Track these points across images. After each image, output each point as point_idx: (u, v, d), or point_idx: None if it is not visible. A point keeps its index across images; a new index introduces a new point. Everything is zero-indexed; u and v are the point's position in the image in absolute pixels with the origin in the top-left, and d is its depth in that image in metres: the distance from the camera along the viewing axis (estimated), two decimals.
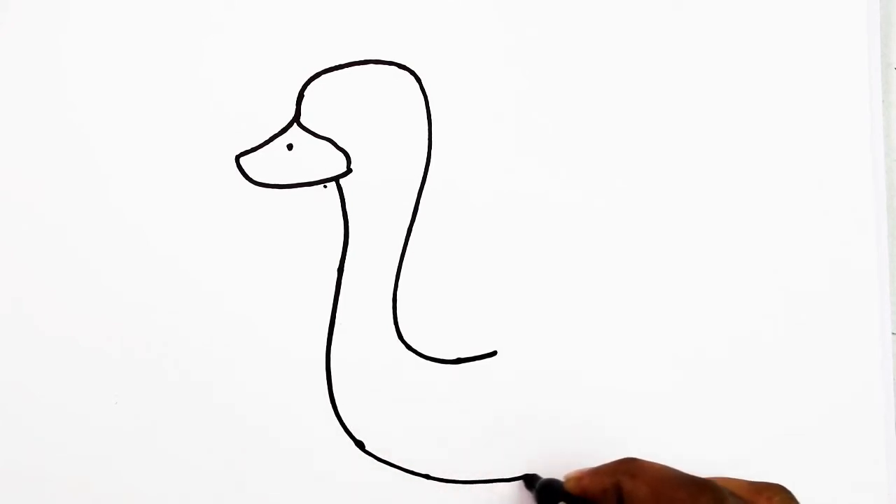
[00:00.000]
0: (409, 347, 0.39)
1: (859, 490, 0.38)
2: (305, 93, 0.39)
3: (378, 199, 0.39)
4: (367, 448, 0.38)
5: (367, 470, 0.38)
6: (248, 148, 0.39)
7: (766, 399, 0.39)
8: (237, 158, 0.39)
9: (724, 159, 0.40)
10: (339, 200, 0.39)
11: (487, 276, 0.39)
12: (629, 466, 0.34)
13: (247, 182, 0.39)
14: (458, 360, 0.39)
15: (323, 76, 0.39)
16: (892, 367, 0.40)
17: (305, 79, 0.39)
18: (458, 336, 0.39)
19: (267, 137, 0.39)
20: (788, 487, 0.32)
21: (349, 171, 0.39)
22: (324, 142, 0.39)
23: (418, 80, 0.40)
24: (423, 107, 0.40)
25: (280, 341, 0.38)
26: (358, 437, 0.38)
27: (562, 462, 0.38)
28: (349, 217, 0.39)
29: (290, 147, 0.39)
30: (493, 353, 0.39)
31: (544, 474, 0.38)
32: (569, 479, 0.36)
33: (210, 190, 0.39)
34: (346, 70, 0.39)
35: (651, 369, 0.39)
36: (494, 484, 0.38)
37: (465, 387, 0.38)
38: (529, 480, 0.38)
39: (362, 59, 0.40)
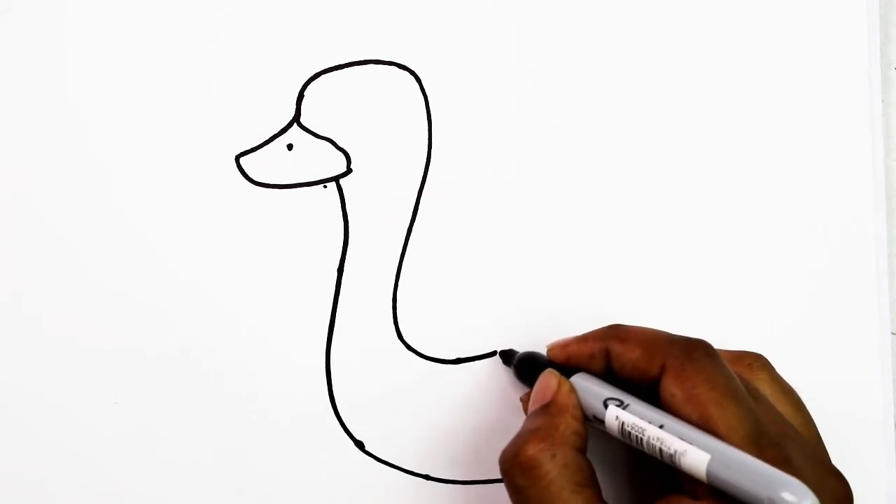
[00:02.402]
0: (409, 347, 0.39)
1: (859, 490, 0.38)
2: (305, 93, 0.39)
3: (378, 199, 0.39)
4: (367, 448, 0.38)
5: (367, 470, 0.38)
6: (248, 148, 0.39)
7: None
8: (237, 158, 0.39)
9: (723, 160, 0.40)
10: (339, 200, 0.39)
11: (487, 276, 0.39)
12: (617, 331, 0.33)
13: (247, 182, 0.39)
14: (458, 360, 0.39)
15: (323, 76, 0.39)
16: (891, 367, 0.40)
17: (305, 79, 0.39)
18: (458, 336, 0.39)
19: (267, 137, 0.39)
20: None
21: (349, 171, 0.39)
22: (324, 142, 0.39)
23: (418, 80, 0.40)
24: (423, 107, 0.40)
25: (280, 341, 0.38)
26: (358, 437, 0.38)
27: None
28: (349, 217, 0.39)
29: (290, 147, 0.39)
30: (493, 353, 0.39)
31: None
32: (552, 347, 0.35)
33: (210, 190, 0.39)
34: (346, 70, 0.39)
35: None
36: (494, 484, 0.38)
37: (465, 387, 0.38)
38: (506, 356, 0.38)
39: (362, 59, 0.40)
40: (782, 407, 0.32)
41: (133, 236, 0.38)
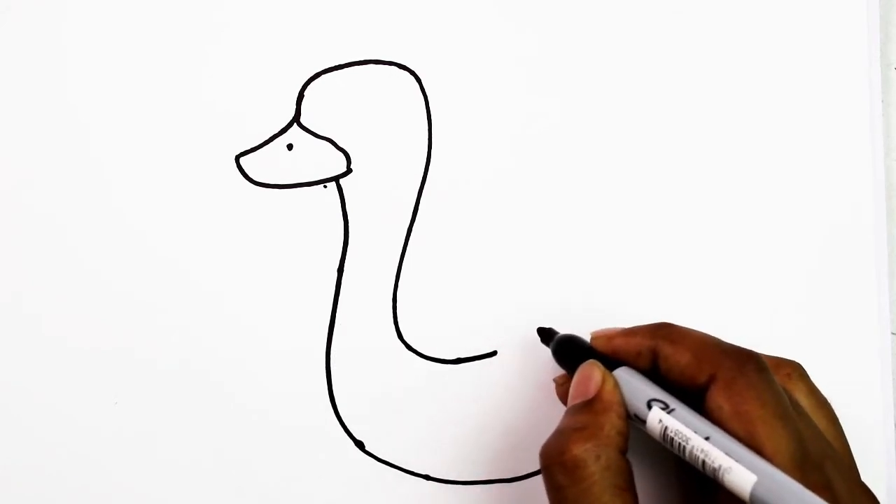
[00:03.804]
0: (409, 347, 0.39)
1: None
2: (305, 93, 0.39)
3: (378, 199, 0.39)
4: (367, 448, 0.38)
5: (367, 470, 0.38)
6: (248, 148, 0.39)
7: None
8: (237, 158, 0.39)
9: (723, 160, 0.40)
10: (339, 200, 0.39)
11: (488, 276, 0.39)
12: (669, 331, 0.32)
13: (247, 182, 0.39)
14: (458, 360, 0.39)
15: (323, 76, 0.39)
16: (891, 367, 0.40)
17: (305, 79, 0.39)
18: (458, 336, 0.39)
19: (267, 137, 0.39)
20: None
21: (349, 171, 0.39)
22: (324, 142, 0.39)
23: (418, 80, 0.40)
24: (423, 107, 0.40)
25: (280, 341, 0.38)
26: (358, 437, 0.38)
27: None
28: (349, 217, 0.39)
29: (290, 147, 0.39)
30: (493, 353, 0.39)
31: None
32: (597, 336, 0.34)
33: (210, 190, 0.39)
34: (346, 70, 0.39)
35: None
36: (494, 484, 0.38)
37: (465, 387, 0.38)
38: (545, 334, 0.37)
39: (362, 59, 0.40)
40: (818, 420, 0.32)
41: (133, 236, 0.38)
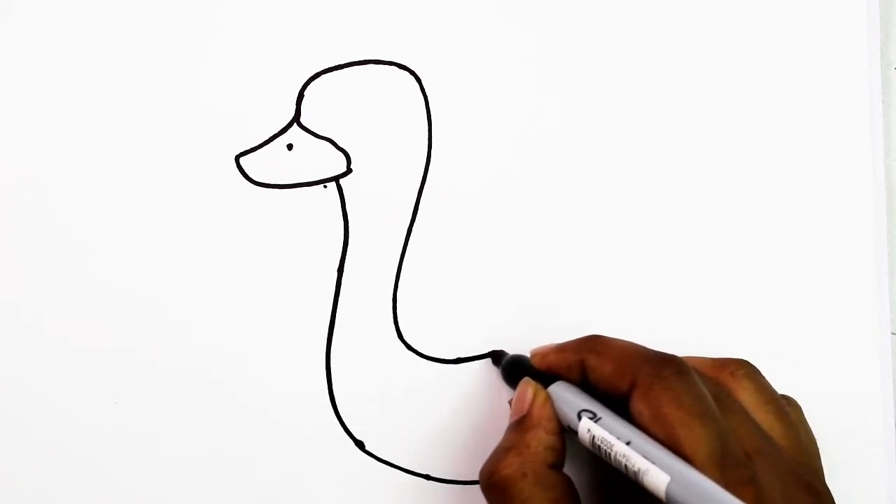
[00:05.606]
0: (409, 347, 0.39)
1: (859, 491, 0.38)
2: (305, 93, 0.39)
3: (378, 199, 0.39)
4: (367, 448, 0.38)
5: (367, 470, 0.38)
6: (248, 148, 0.39)
7: None
8: (237, 158, 0.39)
9: (723, 161, 0.40)
10: (339, 200, 0.39)
11: (488, 276, 0.39)
12: (594, 344, 0.33)
13: (247, 182, 0.39)
14: (458, 360, 0.39)
15: (323, 76, 0.39)
16: (891, 367, 0.40)
17: (305, 79, 0.39)
18: (458, 336, 0.39)
19: (267, 137, 0.39)
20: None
21: (349, 171, 0.39)
22: (324, 142, 0.39)
23: (418, 80, 0.40)
24: (423, 107, 0.40)
25: (280, 341, 0.38)
26: (358, 437, 0.38)
27: None
28: (349, 217, 0.39)
29: (290, 147, 0.39)
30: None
31: None
32: (534, 354, 0.35)
33: (210, 190, 0.39)
34: (346, 70, 0.39)
35: None
36: None
37: (465, 387, 0.39)
38: (496, 357, 0.38)
39: (362, 59, 0.40)
40: (763, 417, 0.32)
41: (133, 236, 0.38)
